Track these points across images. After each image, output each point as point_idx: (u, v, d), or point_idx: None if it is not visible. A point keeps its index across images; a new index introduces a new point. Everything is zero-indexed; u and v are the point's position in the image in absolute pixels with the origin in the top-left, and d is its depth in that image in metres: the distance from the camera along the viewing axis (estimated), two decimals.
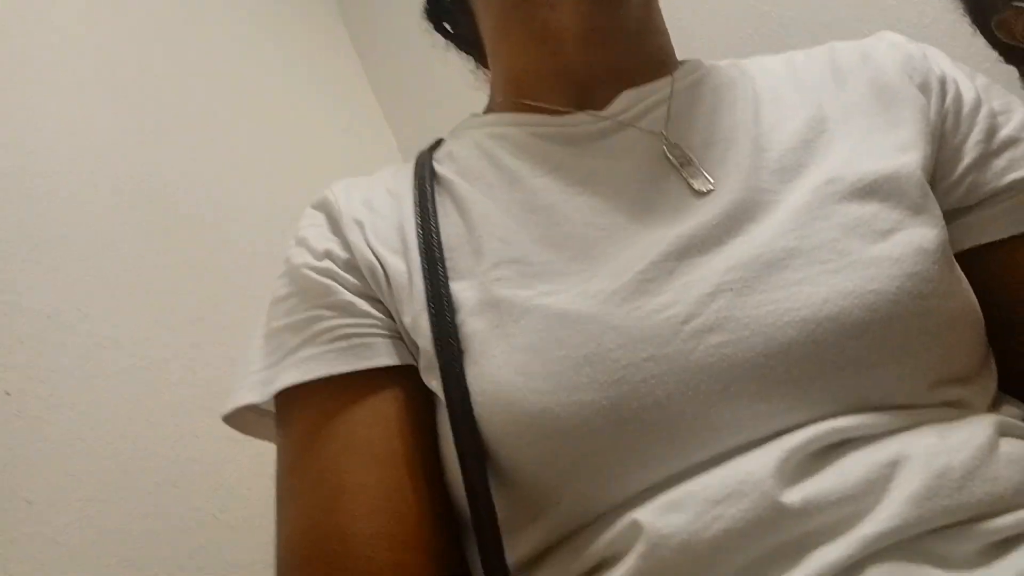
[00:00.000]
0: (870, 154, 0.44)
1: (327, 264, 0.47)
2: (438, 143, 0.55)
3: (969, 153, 0.45)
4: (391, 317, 0.46)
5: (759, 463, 0.35)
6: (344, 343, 0.45)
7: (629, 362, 0.37)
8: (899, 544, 0.33)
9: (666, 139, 0.47)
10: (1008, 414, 0.41)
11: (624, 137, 0.48)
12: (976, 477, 0.34)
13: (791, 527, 0.34)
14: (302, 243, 0.50)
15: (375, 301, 0.47)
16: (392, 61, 1.36)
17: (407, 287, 0.45)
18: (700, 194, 0.44)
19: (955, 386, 0.39)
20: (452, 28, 0.63)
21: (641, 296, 0.40)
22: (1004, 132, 0.46)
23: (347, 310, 0.46)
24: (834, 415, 0.37)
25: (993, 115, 0.46)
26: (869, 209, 0.41)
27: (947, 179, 0.45)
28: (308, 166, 1.16)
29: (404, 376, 0.45)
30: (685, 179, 0.45)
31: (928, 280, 0.38)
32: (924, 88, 0.47)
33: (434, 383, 0.42)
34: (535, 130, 0.50)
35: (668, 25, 0.55)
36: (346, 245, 0.48)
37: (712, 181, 0.45)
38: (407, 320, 0.45)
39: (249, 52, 1.19)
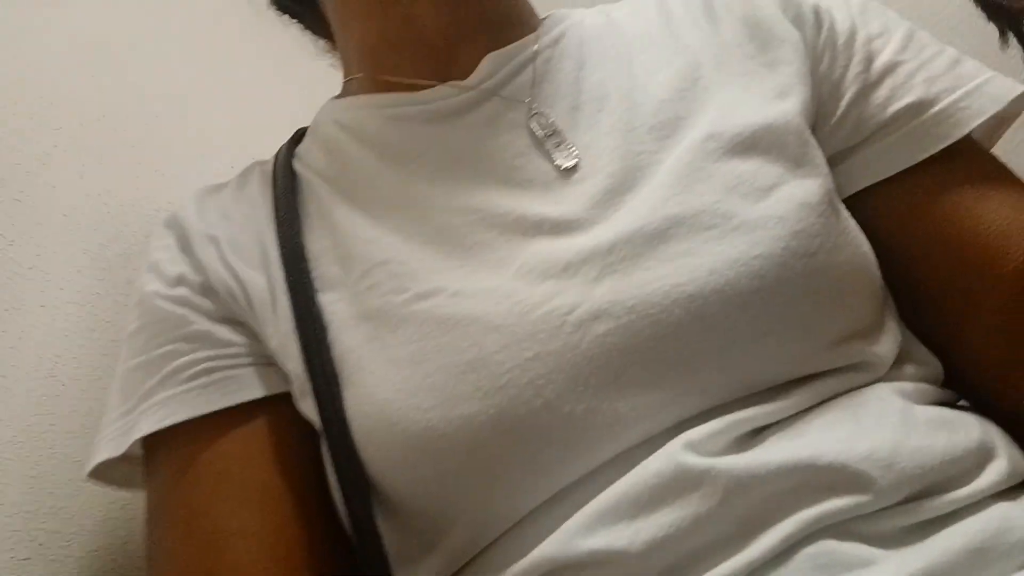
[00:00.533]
0: (748, 103, 0.42)
1: (181, 291, 0.43)
2: (300, 136, 0.51)
3: (850, 87, 0.43)
4: (259, 340, 0.42)
5: (668, 463, 0.33)
6: (205, 379, 0.41)
7: (514, 364, 0.35)
8: (832, 525, 0.32)
9: (530, 108, 0.44)
10: (910, 375, 0.39)
11: (488, 108, 0.45)
12: (901, 453, 0.33)
13: (718, 521, 0.32)
14: (152, 269, 0.45)
15: (238, 324, 0.43)
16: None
17: (270, 305, 0.42)
18: (568, 170, 0.42)
19: (856, 342, 0.37)
20: (292, 2, 0.57)
21: (522, 289, 0.38)
22: (882, 58, 0.43)
23: (207, 340, 0.42)
24: (732, 398, 0.36)
25: (869, 40, 0.43)
26: (750, 165, 0.39)
27: (830, 119, 0.43)
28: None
29: (278, 405, 0.42)
30: (548, 154, 0.43)
31: (813, 236, 0.37)
32: (798, 22, 0.44)
33: (309, 410, 0.40)
34: (392, 111, 0.46)
35: None
36: (199, 266, 0.44)
37: (576, 155, 0.42)
38: (274, 343, 0.41)
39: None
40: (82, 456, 0.45)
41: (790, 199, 0.38)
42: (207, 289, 0.43)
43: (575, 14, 0.50)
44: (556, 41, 0.47)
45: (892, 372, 0.39)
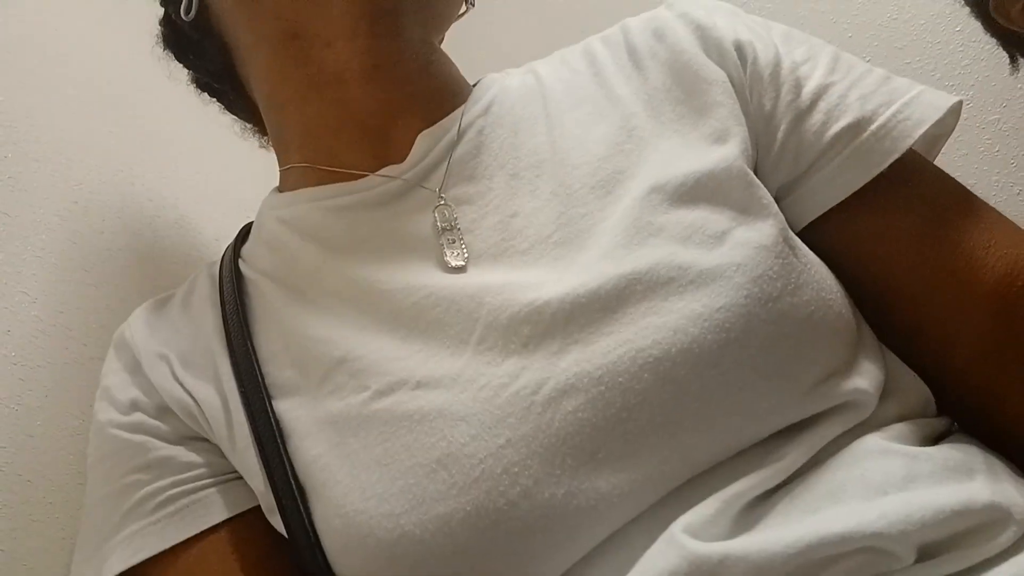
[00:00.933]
0: (686, 151, 0.40)
1: (136, 417, 0.42)
2: (246, 234, 0.50)
3: (783, 118, 0.41)
4: (223, 456, 0.42)
5: (677, 555, 0.31)
6: (171, 507, 0.40)
7: (486, 454, 0.34)
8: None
9: (440, 199, 0.43)
10: (902, 408, 0.38)
11: (416, 195, 0.44)
12: (912, 513, 0.31)
13: None
14: (105, 395, 0.44)
15: (200, 442, 0.42)
16: None
17: (225, 420, 0.41)
18: (454, 269, 0.41)
19: (836, 380, 0.36)
20: (213, 78, 0.54)
21: (485, 370, 0.36)
22: (811, 83, 0.41)
23: (168, 466, 0.41)
24: (718, 461, 0.35)
25: (795, 67, 0.42)
26: (698, 214, 0.38)
27: (770, 153, 0.42)
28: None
29: (250, 519, 0.41)
30: (441, 246, 0.41)
31: (774, 279, 0.35)
32: (721, 61, 0.43)
33: (279, 525, 0.38)
34: (331, 203, 0.45)
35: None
36: (150, 388, 0.43)
37: (465, 256, 0.41)
38: (235, 459, 0.40)
39: None
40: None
41: (745, 243, 0.36)
42: (162, 410, 0.42)
43: (503, 78, 0.49)
44: (487, 110, 0.47)
45: (884, 407, 0.37)
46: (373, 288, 0.41)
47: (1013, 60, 0.70)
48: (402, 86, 0.46)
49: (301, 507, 0.36)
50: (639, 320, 0.35)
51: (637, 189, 0.40)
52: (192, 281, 0.49)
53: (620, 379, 0.34)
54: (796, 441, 0.35)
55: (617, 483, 0.34)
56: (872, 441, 0.35)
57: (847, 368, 0.37)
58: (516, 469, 0.34)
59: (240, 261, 0.47)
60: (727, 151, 0.40)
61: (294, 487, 0.37)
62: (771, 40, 0.44)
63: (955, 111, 0.42)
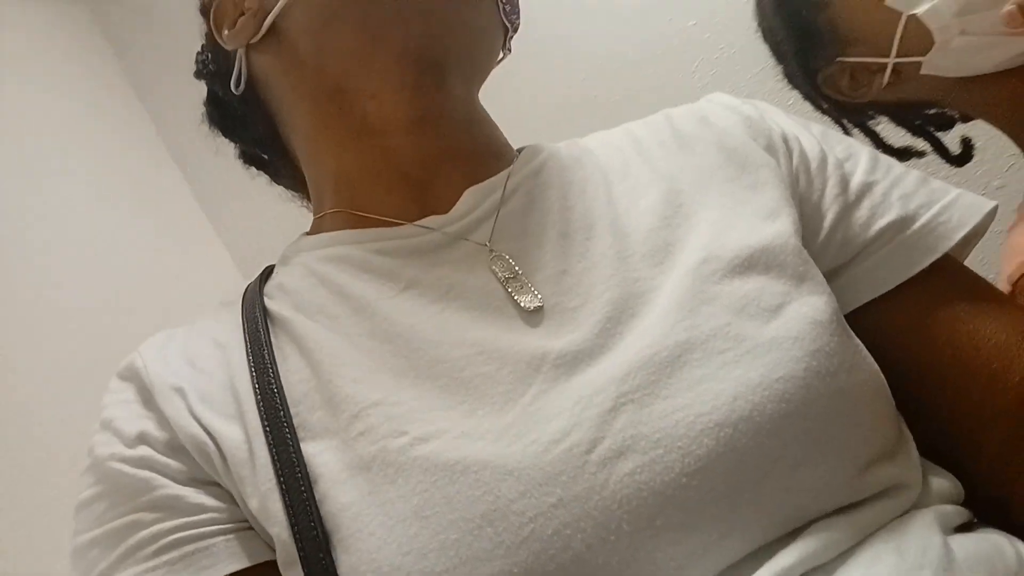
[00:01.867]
0: (738, 225, 0.41)
1: (143, 451, 0.38)
2: (268, 273, 0.48)
3: (830, 209, 0.43)
4: (235, 503, 0.38)
5: None
6: (174, 553, 0.36)
7: (536, 512, 0.32)
8: None
9: (491, 252, 0.43)
10: (939, 489, 0.39)
11: (461, 248, 0.44)
12: None
13: None
14: (108, 427, 0.40)
15: (211, 486, 0.38)
16: (216, 172, 1.33)
17: (248, 461, 0.37)
18: (528, 311, 0.40)
19: (885, 465, 0.36)
20: (259, 147, 0.55)
21: (534, 427, 0.34)
22: (856, 179, 0.44)
23: (175, 507, 0.37)
24: (773, 538, 0.33)
25: (840, 164, 0.44)
26: (753, 285, 0.38)
27: (816, 240, 0.43)
28: (139, 295, 1.09)
29: (263, 573, 0.37)
30: (510, 296, 0.41)
31: (831, 355, 0.35)
32: (770, 149, 0.45)
33: None
34: (375, 245, 0.44)
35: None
36: (163, 422, 0.39)
37: (540, 298, 0.40)
38: (254, 504, 0.36)
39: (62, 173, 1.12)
40: None
41: (801, 318, 0.36)
42: (174, 448, 0.39)
43: (550, 146, 0.50)
44: (537, 172, 0.47)
45: (922, 495, 0.37)
46: (416, 334, 0.40)
47: (846, 133, 0.76)
48: (445, 139, 0.46)
49: (326, 558, 0.33)
50: (695, 386, 0.34)
51: (690, 259, 0.40)
52: (209, 316, 0.46)
53: (679, 443, 0.33)
54: (844, 521, 0.34)
55: (674, 554, 0.32)
56: (915, 519, 0.35)
57: (894, 453, 0.37)
58: (568, 531, 0.32)
59: (266, 298, 0.45)
60: (781, 227, 0.40)
61: (320, 535, 0.34)
62: (813, 136, 0.46)
63: (992, 214, 0.44)
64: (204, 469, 0.38)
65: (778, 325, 0.36)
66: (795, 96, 0.83)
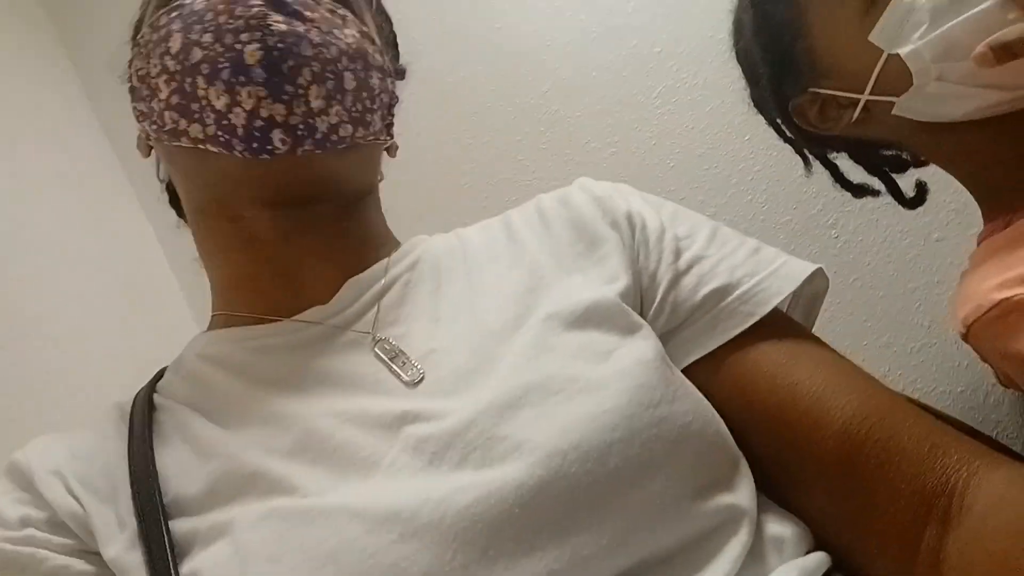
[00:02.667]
0: (581, 288, 0.46)
1: (28, 532, 0.41)
2: (160, 375, 0.52)
3: (663, 277, 0.47)
4: (109, 571, 0.40)
5: None
6: None
7: (377, 548, 0.34)
8: None
9: (374, 338, 0.47)
10: (775, 531, 0.40)
11: (343, 338, 0.47)
12: None
13: None
14: None
15: (93, 555, 0.41)
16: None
17: (117, 536, 0.40)
18: (411, 384, 0.44)
19: (720, 493, 0.39)
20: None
21: (389, 479, 0.38)
22: (689, 252, 0.48)
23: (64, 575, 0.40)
24: (607, 562, 0.35)
25: (677, 239, 0.49)
26: (587, 337, 0.42)
27: (652, 305, 0.47)
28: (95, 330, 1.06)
29: None
30: (395, 371, 0.44)
31: (653, 388, 0.39)
32: (614, 225, 0.49)
33: None
34: (253, 343, 0.48)
35: None
36: (43, 503, 0.42)
37: (421, 370, 0.44)
38: (117, 568, 0.39)
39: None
40: None
41: (628, 358, 0.41)
42: (55, 524, 0.42)
43: (429, 240, 0.55)
44: (413, 266, 0.52)
45: (771, 544, 0.40)
46: (289, 415, 0.43)
47: (807, 163, 0.76)
48: (314, 245, 0.49)
49: None
50: (532, 423, 0.38)
51: (538, 317, 0.44)
52: (99, 415, 0.49)
53: (513, 476, 0.36)
54: (696, 570, 0.37)
55: None
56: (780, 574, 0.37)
57: (727, 483, 0.40)
58: (405, 563, 0.34)
59: (155, 394, 0.49)
60: (612, 288, 0.46)
61: None
62: (659, 215, 0.51)
63: (819, 276, 0.49)
64: (85, 542, 0.41)
65: (607, 366, 0.40)
66: (757, 125, 0.83)
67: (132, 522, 0.40)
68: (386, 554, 0.34)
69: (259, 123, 0.43)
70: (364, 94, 0.48)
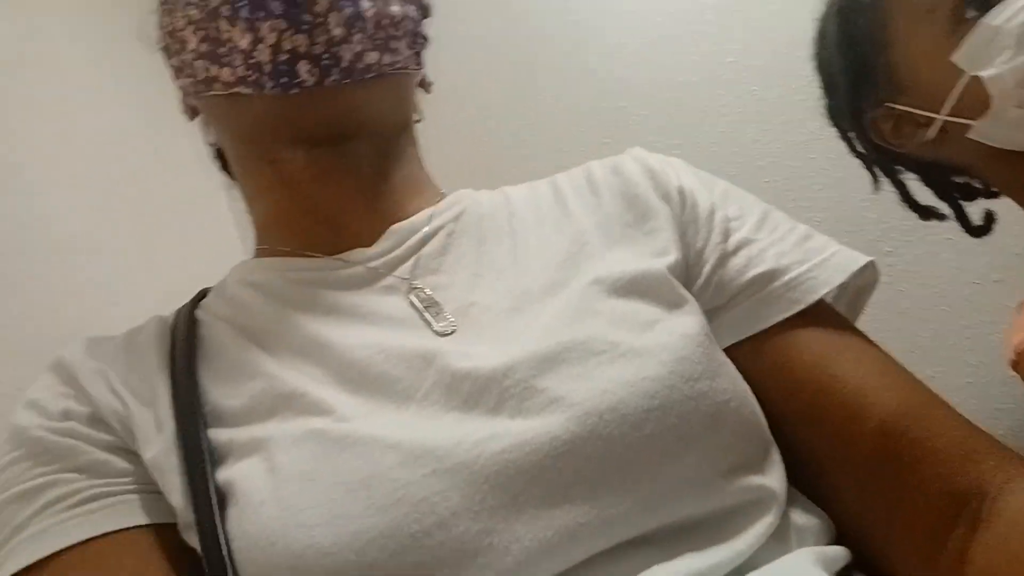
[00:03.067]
0: (629, 258, 0.46)
1: (69, 424, 0.41)
2: (202, 295, 0.52)
3: (711, 256, 0.47)
4: (146, 468, 0.41)
5: None
6: (93, 504, 0.39)
7: (408, 480, 0.35)
8: None
9: (411, 285, 0.47)
10: (811, 525, 0.41)
11: (380, 282, 0.48)
12: None
13: None
14: (32, 406, 0.43)
15: (131, 454, 0.42)
16: None
17: (155, 438, 0.41)
18: (441, 335, 0.44)
19: (750, 474, 0.39)
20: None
21: (425, 424, 0.38)
22: (738, 235, 0.48)
23: (98, 471, 0.41)
24: (639, 533, 0.36)
25: (727, 220, 0.49)
26: (632, 305, 0.43)
27: (697, 282, 0.47)
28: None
29: (168, 534, 0.40)
30: (427, 320, 0.45)
31: (696, 363, 0.39)
32: (666, 198, 0.49)
33: (194, 542, 0.38)
34: (294, 275, 0.48)
35: None
36: (86, 398, 0.43)
37: (454, 322, 0.45)
38: (157, 476, 0.40)
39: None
40: None
41: (671, 332, 0.41)
42: (96, 420, 0.42)
43: (475, 194, 0.55)
44: (457, 217, 0.51)
45: (799, 530, 0.40)
46: (327, 344, 0.44)
47: (875, 179, 0.75)
48: (353, 188, 0.49)
49: (218, 519, 0.37)
50: (570, 381, 0.38)
51: (583, 280, 0.44)
52: (140, 326, 0.50)
53: (549, 428, 0.36)
54: (718, 542, 0.37)
55: (534, 531, 0.35)
56: (798, 558, 0.37)
57: (759, 466, 0.40)
58: (436, 498, 0.35)
59: (197, 310, 0.49)
60: (661, 261, 0.45)
61: (214, 500, 0.38)
62: (710, 193, 0.50)
63: (869, 268, 0.48)
64: (124, 439, 0.42)
65: (650, 336, 0.41)
66: (823, 145, 0.81)
67: (171, 425, 0.41)
68: (418, 488, 0.35)
69: (284, 56, 0.43)
70: (385, 20, 0.47)
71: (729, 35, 1.12)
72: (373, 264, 0.48)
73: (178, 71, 0.50)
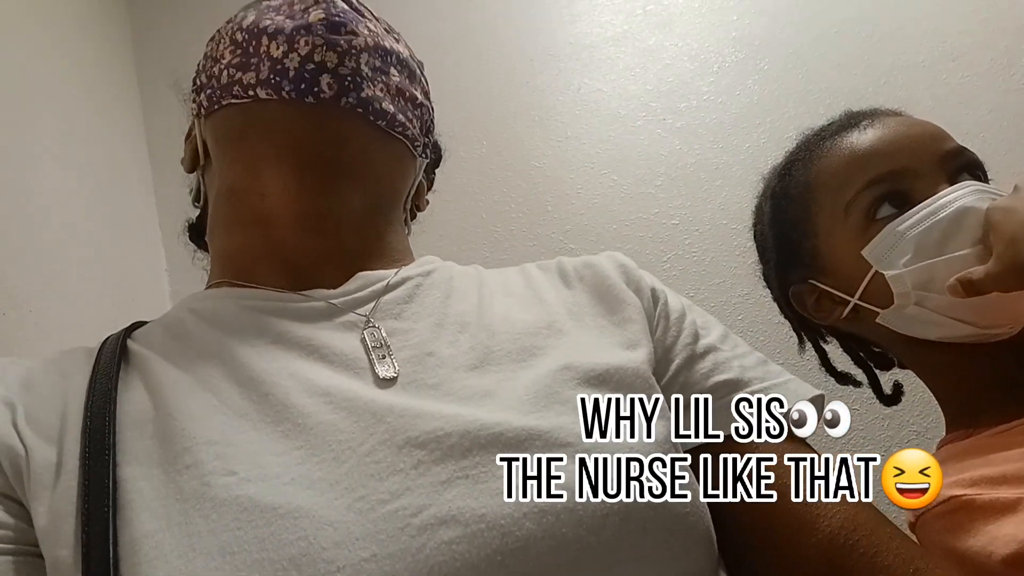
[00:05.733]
0: (600, 349, 0.45)
1: None
2: (137, 325, 0.50)
3: (680, 354, 0.48)
4: (31, 524, 0.36)
5: None
6: None
7: (346, 563, 0.32)
8: None
9: (369, 322, 0.46)
10: None
11: (342, 318, 0.46)
12: None
13: None
14: None
15: (14, 503, 0.37)
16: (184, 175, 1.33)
17: (51, 479, 0.36)
18: (382, 380, 0.42)
19: None
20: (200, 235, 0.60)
21: (367, 482, 0.35)
22: (706, 340, 0.49)
23: None
24: None
25: (695, 324, 0.50)
26: (602, 396, 0.41)
27: (663, 379, 0.47)
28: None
29: None
30: (371, 363, 0.43)
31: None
32: (638, 292, 0.50)
33: None
34: (248, 303, 0.47)
35: None
36: None
37: (397, 369, 0.42)
38: (42, 522, 0.35)
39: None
40: None
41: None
42: None
43: (447, 262, 0.55)
44: (428, 274, 0.51)
45: None
46: (268, 380, 0.41)
47: (801, 342, 0.83)
48: (331, 239, 0.49)
49: None
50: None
51: (551, 364, 0.43)
52: (62, 352, 0.47)
53: (502, 522, 0.34)
54: None
55: None
56: None
57: None
58: None
59: (129, 340, 0.46)
60: (636, 356, 0.45)
61: (111, 559, 0.33)
62: (679, 299, 0.52)
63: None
64: (11, 484, 0.37)
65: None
66: (752, 307, 0.89)
67: (71, 468, 0.37)
68: (355, 573, 0.32)
69: (311, 66, 0.45)
70: (407, 94, 0.51)
71: (674, 201, 1.24)
72: (335, 301, 0.47)
73: (200, 88, 0.51)
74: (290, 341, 0.44)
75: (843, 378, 0.80)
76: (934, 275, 0.61)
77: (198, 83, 0.52)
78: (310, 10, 0.47)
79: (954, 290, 0.58)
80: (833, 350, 0.82)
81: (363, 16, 0.50)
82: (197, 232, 0.60)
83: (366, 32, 0.48)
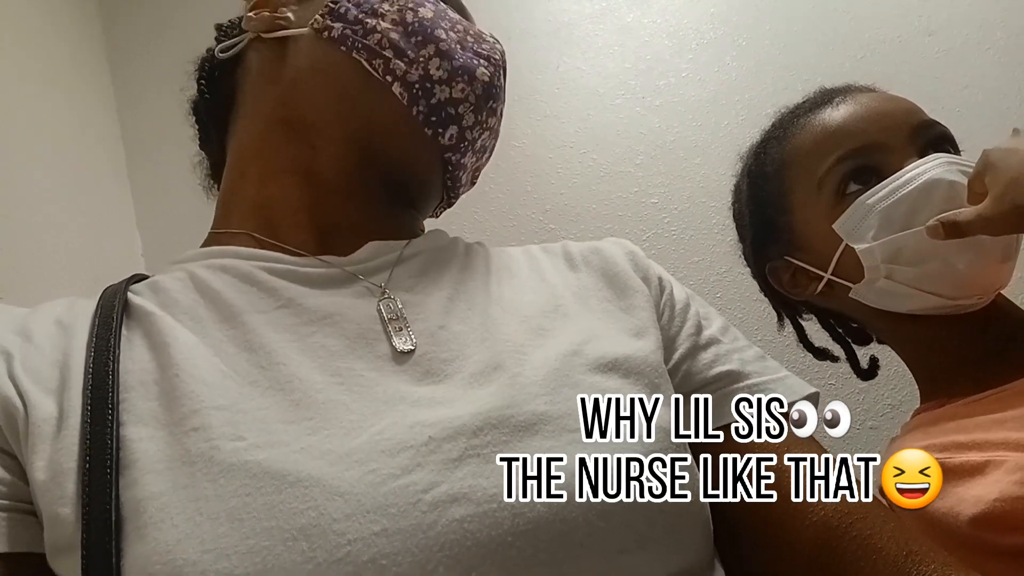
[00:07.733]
0: (609, 336, 0.45)
1: None
2: (139, 277, 0.48)
3: (683, 344, 0.48)
4: (25, 481, 0.35)
5: None
6: None
7: (356, 536, 0.32)
8: None
9: (384, 293, 0.46)
10: None
11: (353, 286, 0.46)
12: None
13: None
14: None
15: (8, 457, 0.36)
16: (159, 163, 1.32)
17: (52, 433, 0.35)
18: (399, 353, 0.42)
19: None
20: (208, 124, 0.58)
21: (377, 457, 0.35)
22: (708, 331, 0.50)
23: None
24: None
25: (699, 315, 0.51)
26: (612, 383, 0.41)
27: (666, 365, 0.47)
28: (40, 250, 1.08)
29: (23, 568, 0.34)
30: (388, 335, 0.43)
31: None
32: (646, 280, 0.51)
33: (69, 571, 0.32)
34: (267, 265, 0.46)
35: None
36: None
37: (415, 341, 0.42)
38: (40, 477, 0.34)
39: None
40: None
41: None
42: None
43: (454, 236, 0.56)
44: (440, 247, 0.52)
45: None
46: (280, 349, 0.40)
47: (780, 319, 0.84)
48: (363, 205, 0.50)
49: (111, 543, 0.31)
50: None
51: (561, 347, 0.42)
52: (58, 302, 0.44)
53: (513, 502, 0.34)
54: None
55: None
56: None
57: (707, 572, 0.40)
58: (385, 562, 0.31)
59: (131, 294, 0.44)
60: (645, 344, 0.45)
61: (112, 520, 0.32)
62: (683, 289, 0.53)
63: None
64: (5, 435, 0.36)
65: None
66: (729, 286, 0.89)
67: (73, 424, 0.35)
68: (366, 547, 0.32)
69: (451, 111, 0.49)
70: (485, 156, 0.57)
71: (653, 180, 1.24)
72: (348, 268, 0.47)
73: (333, 11, 0.50)
74: (302, 307, 0.43)
75: (820, 353, 0.82)
76: (903, 247, 0.62)
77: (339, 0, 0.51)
78: (481, 60, 0.51)
79: (934, 231, 0.58)
80: (811, 326, 0.82)
81: (501, 100, 0.54)
82: (214, 172, 0.59)
83: (497, 115, 0.54)
